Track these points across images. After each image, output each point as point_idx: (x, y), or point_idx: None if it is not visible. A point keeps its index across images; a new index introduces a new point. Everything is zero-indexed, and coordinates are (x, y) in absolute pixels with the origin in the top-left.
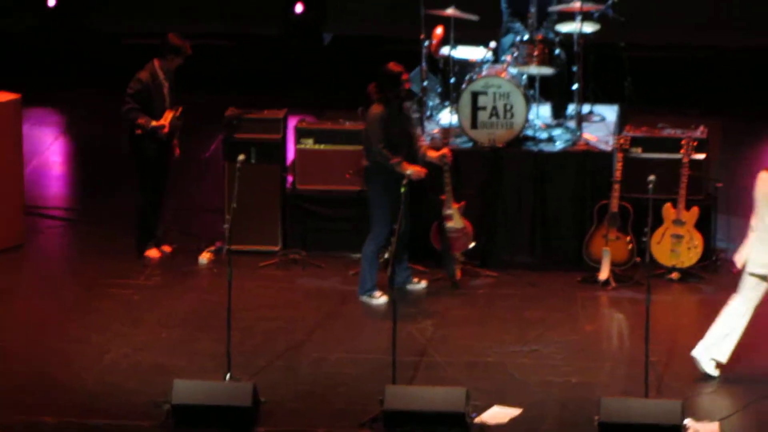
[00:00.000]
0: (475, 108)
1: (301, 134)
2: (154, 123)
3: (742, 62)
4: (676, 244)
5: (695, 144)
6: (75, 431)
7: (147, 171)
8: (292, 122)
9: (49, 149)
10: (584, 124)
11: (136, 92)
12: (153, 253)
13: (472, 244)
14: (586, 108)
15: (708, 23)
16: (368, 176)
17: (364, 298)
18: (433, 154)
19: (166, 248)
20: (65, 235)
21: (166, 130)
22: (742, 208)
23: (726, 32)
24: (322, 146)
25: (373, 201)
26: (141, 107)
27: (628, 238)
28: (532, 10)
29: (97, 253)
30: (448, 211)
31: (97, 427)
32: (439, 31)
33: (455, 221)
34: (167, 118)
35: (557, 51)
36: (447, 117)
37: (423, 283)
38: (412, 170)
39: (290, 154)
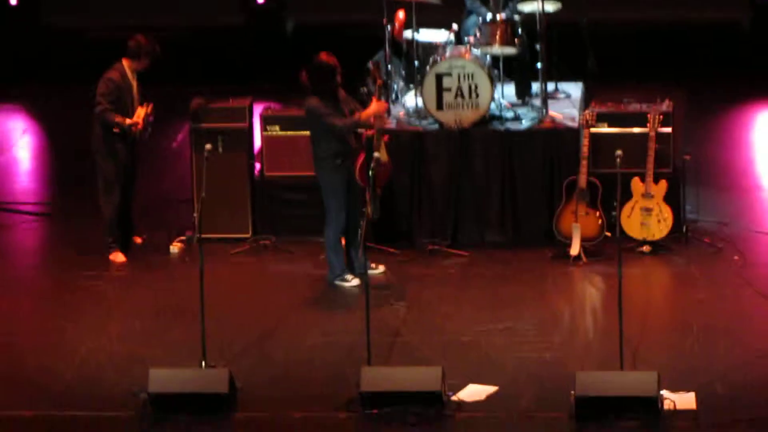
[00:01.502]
0: (440, 89)
1: (267, 122)
2: (128, 121)
3: (701, 35)
4: (646, 217)
5: (661, 118)
6: (53, 424)
7: (117, 172)
8: (257, 110)
9: (15, 145)
10: (550, 102)
11: (108, 92)
12: (118, 257)
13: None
14: (550, 86)
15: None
16: (318, 164)
17: (337, 282)
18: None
19: (137, 239)
20: (34, 230)
21: (140, 126)
22: (711, 179)
23: (684, 6)
24: (288, 132)
25: (326, 188)
26: (114, 107)
27: (598, 213)
28: None
29: (67, 247)
30: (377, 154)
31: (75, 419)
32: (401, 15)
33: (381, 154)
34: (140, 115)
35: (519, 31)
36: (412, 100)
37: (381, 268)
38: (373, 111)
39: (257, 142)
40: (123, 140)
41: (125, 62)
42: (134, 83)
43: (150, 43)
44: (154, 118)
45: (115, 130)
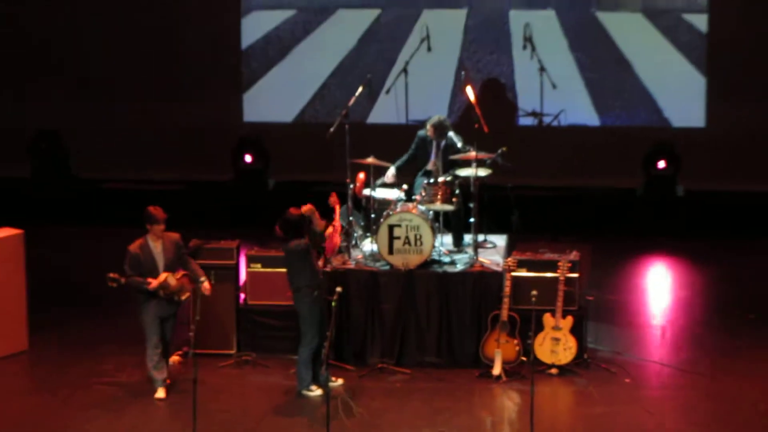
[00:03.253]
0: (392, 238)
1: (251, 260)
2: (153, 284)
3: (603, 199)
4: (555, 345)
5: (569, 265)
6: None
7: (148, 323)
8: (243, 251)
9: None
10: (480, 250)
11: (127, 262)
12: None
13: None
14: (480, 237)
15: (573, 170)
16: (298, 296)
17: (304, 392)
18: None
19: (175, 359)
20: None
21: (151, 286)
22: (609, 317)
23: (590, 176)
24: (268, 269)
25: (304, 317)
26: (135, 273)
27: (516, 342)
28: (436, 157)
29: (84, 355)
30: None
31: None
32: (361, 176)
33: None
34: (160, 279)
35: (456, 191)
36: (368, 245)
37: (340, 381)
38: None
39: (242, 276)
40: (154, 297)
41: (148, 234)
42: (159, 247)
43: (154, 212)
44: (190, 280)
45: (149, 287)
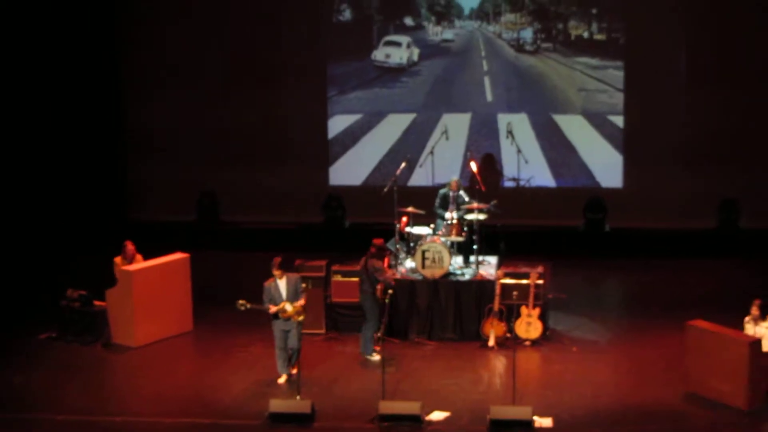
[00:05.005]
0: (423, 258)
1: (334, 273)
2: (272, 309)
3: (555, 235)
4: (528, 326)
5: (537, 275)
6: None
7: (279, 337)
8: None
9: None
10: (480, 266)
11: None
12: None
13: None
14: (481, 257)
15: (538, 215)
16: (364, 297)
17: (367, 357)
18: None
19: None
20: None
21: (285, 315)
22: (562, 308)
23: (549, 218)
24: (346, 279)
25: (368, 305)
26: (267, 301)
27: (504, 324)
28: (452, 206)
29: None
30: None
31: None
32: (404, 219)
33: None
34: (280, 306)
35: (465, 228)
36: (409, 263)
37: (378, 357)
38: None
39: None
40: (277, 318)
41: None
42: (284, 282)
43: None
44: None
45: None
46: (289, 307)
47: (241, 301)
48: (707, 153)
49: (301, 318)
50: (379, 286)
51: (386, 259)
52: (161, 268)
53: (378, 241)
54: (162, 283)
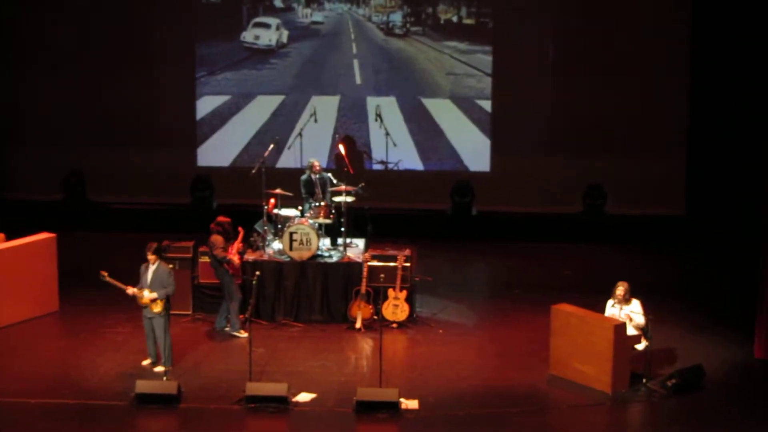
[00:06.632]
0: (291, 240)
1: (202, 254)
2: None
3: (426, 217)
4: (395, 309)
5: (404, 258)
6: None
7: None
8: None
9: None
10: (348, 249)
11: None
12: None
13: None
14: (348, 240)
15: (406, 198)
16: (220, 272)
17: (234, 333)
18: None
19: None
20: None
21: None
22: (428, 291)
23: (417, 202)
24: (206, 259)
25: (224, 280)
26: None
27: (371, 306)
28: (317, 189)
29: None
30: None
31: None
32: (272, 201)
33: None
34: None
35: (332, 210)
36: (277, 245)
37: (245, 333)
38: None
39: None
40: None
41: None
42: (153, 269)
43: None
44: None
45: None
46: (145, 294)
47: (104, 272)
48: (573, 138)
49: (157, 310)
50: (226, 265)
51: (239, 237)
52: (25, 248)
53: (221, 218)
54: (26, 263)
